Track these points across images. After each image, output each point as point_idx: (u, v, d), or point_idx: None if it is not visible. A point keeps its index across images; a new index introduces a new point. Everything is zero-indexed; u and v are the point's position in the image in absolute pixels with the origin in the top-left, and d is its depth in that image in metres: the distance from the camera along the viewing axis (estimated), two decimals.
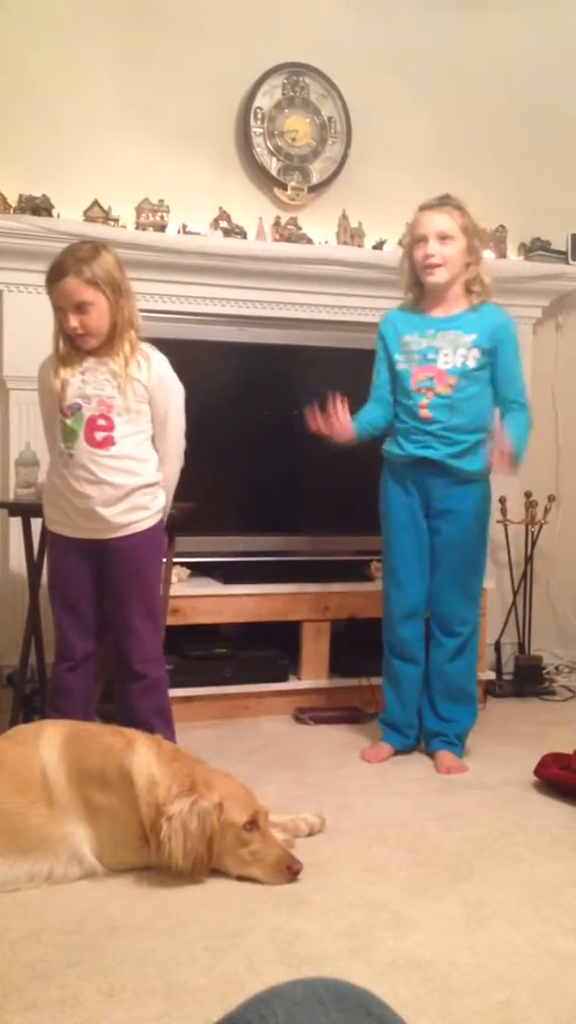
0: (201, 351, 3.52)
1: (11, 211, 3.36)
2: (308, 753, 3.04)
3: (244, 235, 3.66)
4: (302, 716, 3.38)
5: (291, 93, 3.80)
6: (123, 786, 2.08)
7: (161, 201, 3.56)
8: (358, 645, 3.52)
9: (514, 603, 3.98)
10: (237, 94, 3.75)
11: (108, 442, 2.53)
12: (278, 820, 2.25)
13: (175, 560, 3.15)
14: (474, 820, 2.48)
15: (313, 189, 3.83)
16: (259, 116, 3.75)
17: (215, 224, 3.65)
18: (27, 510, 2.95)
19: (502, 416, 2.89)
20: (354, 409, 2.95)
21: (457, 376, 2.81)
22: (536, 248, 4.05)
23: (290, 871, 2.06)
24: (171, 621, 3.17)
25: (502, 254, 4.00)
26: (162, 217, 3.55)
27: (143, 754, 2.12)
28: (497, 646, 3.93)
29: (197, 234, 3.61)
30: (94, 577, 2.60)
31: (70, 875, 2.06)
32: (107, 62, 3.57)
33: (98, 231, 3.32)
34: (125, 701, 2.64)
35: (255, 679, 3.44)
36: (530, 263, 4.04)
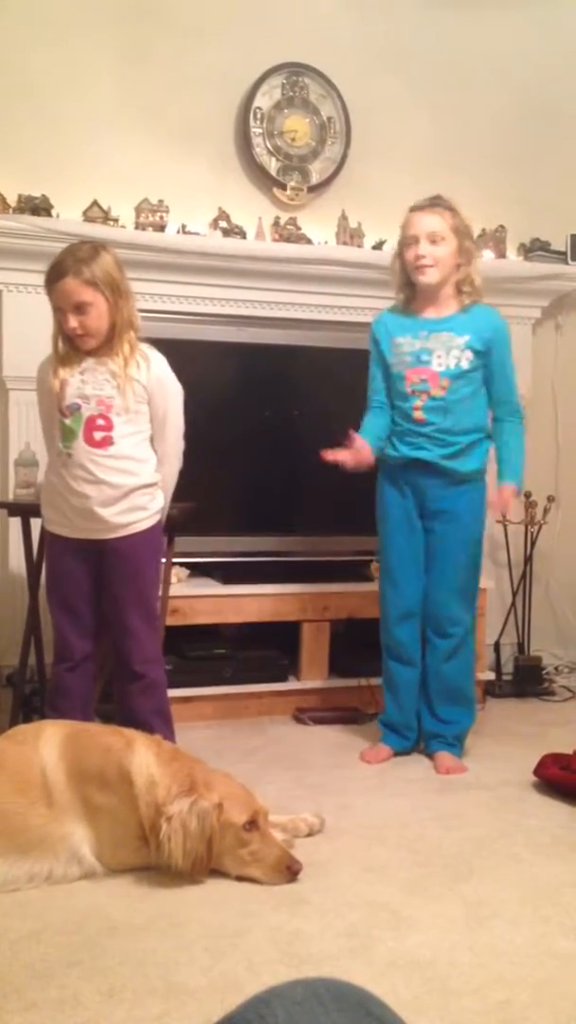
0: (200, 351, 3.52)
1: (10, 211, 3.37)
2: (308, 753, 3.04)
3: (243, 235, 3.67)
4: (302, 716, 3.38)
5: (290, 93, 3.80)
6: (123, 786, 2.08)
7: (160, 201, 3.56)
8: (358, 645, 3.52)
9: (513, 603, 3.98)
10: (236, 94, 3.75)
11: (107, 442, 2.52)
12: (278, 820, 2.25)
13: (175, 560, 3.15)
14: (474, 820, 2.48)
15: (312, 189, 3.83)
16: (258, 116, 3.75)
17: (214, 224, 3.65)
18: (26, 510, 2.95)
19: (495, 421, 2.90)
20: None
21: (451, 378, 2.81)
22: (535, 248, 4.06)
23: (290, 871, 2.06)
24: (171, 621, 3.17)
25: (501, 254, 4.00)
26: (161, 217, 3.55)
27: (143, 754, 2.12)
28: (496, 646, 3.93)
29: (196, 234, 3.61)
30: (92, 577, 2.60)
31: (70, 875, 2.06)
32: (107, 62, 3.57)
33: (97, 231, 3.32)
34: (124, 701, 2.64)
35: (255, 679, 3.44)
36: (529, 263, 4.04)
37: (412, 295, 2.91)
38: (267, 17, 3.75)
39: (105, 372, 2.53)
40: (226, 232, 3.64)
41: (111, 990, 1.64)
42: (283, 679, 3.49)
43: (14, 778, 2.09)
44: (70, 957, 1.75)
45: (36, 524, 2.91)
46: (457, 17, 4.02)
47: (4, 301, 3.40)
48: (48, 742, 2.15)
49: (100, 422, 2.52)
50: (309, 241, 3.76)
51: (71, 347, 2.55)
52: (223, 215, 3.65)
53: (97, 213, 3.47)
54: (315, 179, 3.84)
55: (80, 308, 2.47)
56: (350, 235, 3.81)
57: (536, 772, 2.72)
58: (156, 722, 2.56)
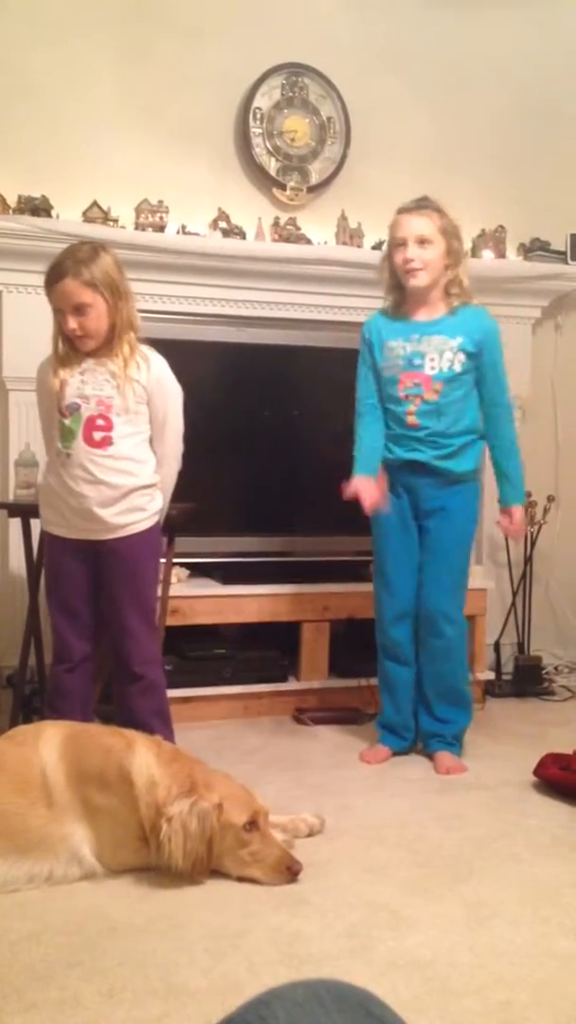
0: (200, 352, 3.52)
1: (10, 212, 3.37)
2: (307, 754, 3.04)
3: (243, 235, 3.67)
4: (301, 716, 3.38)
5: (290, 93, 3.80)
6: (123, 787, 2.08)
7: (160, 202, 3.56)
8: (358, 646, 3.51)
9: (513, 603, 3.98)
10: (236, 94, 3.75)
11: (106, 442, 2.52)
12: (278, 821, 2.24)
13: (175, 560, 3.15)
14: (473, 820, 2.48)
15: (312, 189, 3.84)
16: (258, 116, 3.75)
17: (214, 225, 3.65)
18: (27, 511, 2.94)
19: (488, 422, 2.89)
20: (351, 411, 2.95)
21: (444, 382, 2.81)
22: (535, 248, 4.06)
23: (290, 872, 2.06)
24: (171, 621, 3.17)
25: (501, 254, 4.01)
26: (161, 218, 3.55)
27: (143, 755, 2.12)
28: (496, 646, 3.94)
29: (196, 235, 3.61)
30: (91, 578, 2.60)
31: (70, 876, 2.06)
32: (107, 62, 3.57)
33: (97, 232, 3.32)
34: (124, 702, 2.64)
35: (254, 679, 3.44)
36: (529, 263, 4.04)
37: (402, 298, 2.89)
38: (267, 17, 3.75)
39: (105, 373, 2.53)
40: (226, 232, 3.64)
41: (111, 991, 1.64)
42: (283, 679, 3.49)
43: (14, 779, 2.09)
44: (70, 958, 1.75)
45: (36, 525, 2.91)
46: (457, 17, 4.02)
47: (4, 302, 3.40)
48: (48, 743, 2.15)
49: (100, 422, 2.52)
50: (309, 241, 3.76)
51: (71, 348, 2.55)
52: (223, 215, 3.65)
53: (97, 214, 3.47)
54: (315, 179, 3.85)
55: (79, 309, 2.47)
56: (350, 235, 3.81)
57: (536, 772, 2.72)
58: (155, 723, 2.56)
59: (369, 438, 2.90)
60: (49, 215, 3.39)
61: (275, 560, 3.66)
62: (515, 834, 2.38)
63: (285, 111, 3.80)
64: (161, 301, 3.56)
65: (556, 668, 4.06)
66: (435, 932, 1.87)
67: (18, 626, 3.19)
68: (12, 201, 3.39)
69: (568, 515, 4.17)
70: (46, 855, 2.04)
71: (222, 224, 3.65)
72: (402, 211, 2.83)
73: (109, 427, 2.52)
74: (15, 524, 3.15)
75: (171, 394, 2.62)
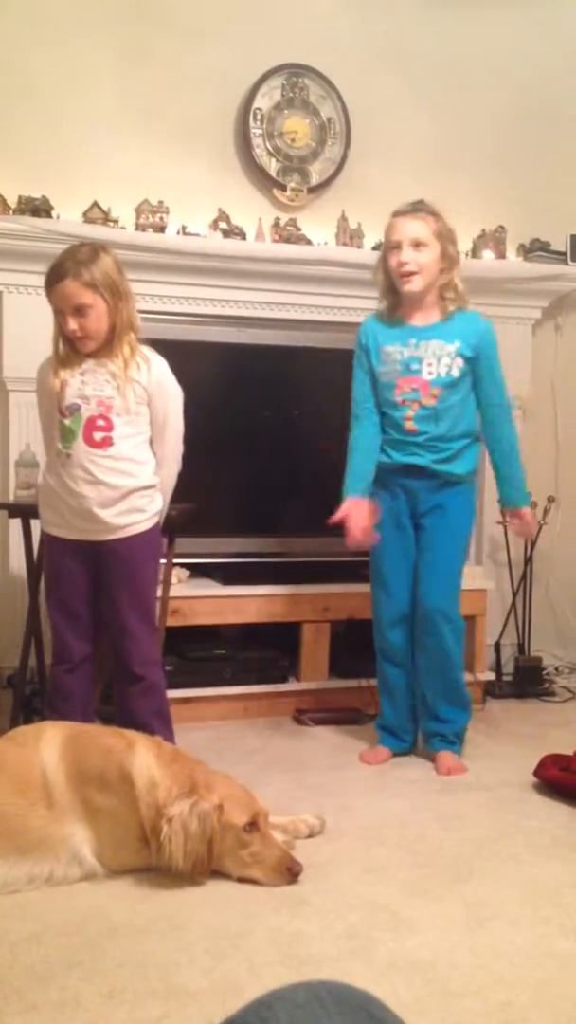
0: (200, 352, 3.52)
1: (11, 212, 3.37)
2: (308, 754, 3.04)
3: (243, 236, 3.67)
4: (302, 717, 3.38)
5: (290, 94, 3.80)
6: (123, 787, 2.08)
7: (160, 202, 3.56)
8: (358, 646, 3.51)
9: (514, 604, 3.98)
10: (236, 95, 3.75)
11: (107, 442, 2.52)
12: (278, 821, 2.25)
13: (175, 561, 3.15)
14: (474, 821, 2.48)
15: (312, 190, 3.84)
16: (258, 117, 3.75)
17: (214, 225, 3.65)
18: (27, 511, 2.94)
19: (487, 425, 2.89)
20: (344, 410, 2.96)
21: (442, 387, 2.80)
22: (535, 249, 4.06)
23: (290, 872, 2.06)
24: (171, 622, 3.17)
25: (501, 255, 4.01)
26: (161, 218, 3.55)
27: (143, 756, 2.12)
28: (497, 647, 3.93)
29: (196, 235, 3.61)
30: (90, 579, 2.60)
31: (70, 877, 2.06)
32: (107, 63, 3.57)
33: (98, 232, 3.32)
34: (124, 703, 2.64)
35: (255, 680, 3.44)
36: (529, 264, 4.04)
37: (396, 301, 2.89)
38: (267, 18, 3.75)
39: (105, 373, 2.53)
40: (226, 233, 3.64)
41: (111, 992, 1.64)
42: (283, 680, 3.49)
43: (14, 780, 2.09)
44: (70, 959, 1.75)
45: (36, 525, 2.91)
46: (457, 17, 4.02)
47: (4, 302, 3.40)
48: (49, 743, 2.15)
49: (100, 423, 2.52)
50: (309, 242, 3.76)
51: (71, 349, 2.55)
52: (223, 216, 3.66)
53: (97, 214, 3.47)
54: (315, 180, 3.85)
55: (80, 310, 2.47)
56: (350, 236, 3.81)
57: (536, 773, 2.72)
58: (156, 723, 2.56)
59: (363, 451, 2.88)
60: (49, 216, 3.39)
61: (275, 561, 3.66)
62: (515, 835, 2.38)
63: (285, 112, 3.80)
64: (161, 302, 3.56)
65: (556, 669, 4.06)
66: (435, 933, 1.87)
67: (18, 627, 3.19)
68: (12, 202, 3.39)
69: (568, 515, 4.17)
70: (46, 856, 2.04)
71: (222, 225, 3.65)
72: (397, 214, 2.82)
73: (109, 427, 2.52)
74: (15, 525, 3.15)
75: (171, 395, 2.62)
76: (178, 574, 3.37)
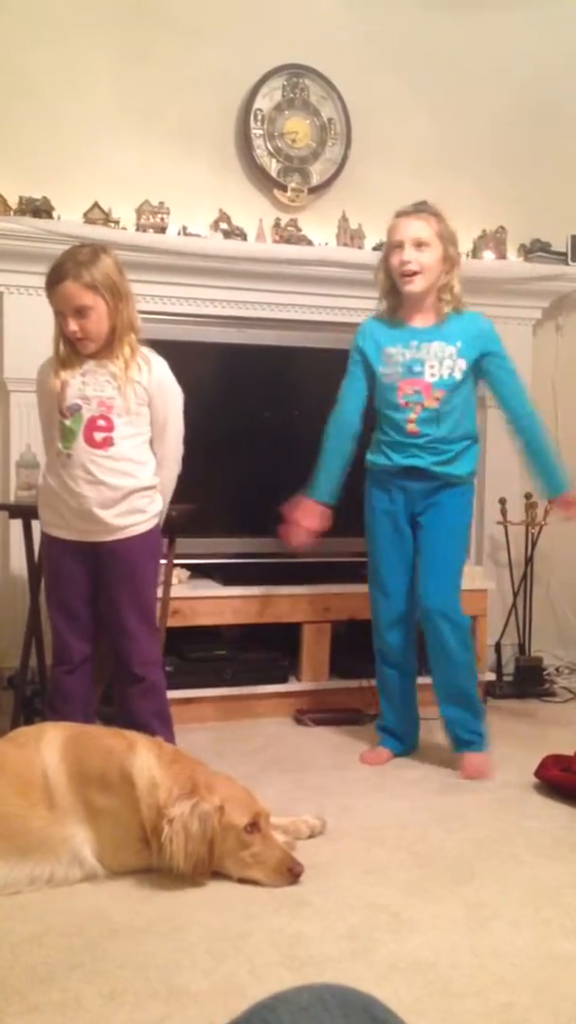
0: (201, 352, 3.52)
1: (11, 213, 3.37)
2: (308, 755, 3.04)
3: (244, 237, 3.67)
4: (302, 718, 3.39)
5: (291, 95, 3.80)
6: (124, 788, 2.08)
7: (161, 203, 3.56)
8: (358, 647, 3.51)
9: (514, 604, 3.98)
10: (237, 95, 3.75)
11: (107, 443, 2.52)
12: (279, 822, 2.25)
13: (175, 562, 3.15)
14: (474, 822, 2.48)
15: (313, 190, 3.84)
16: (259, 118, 3.75)
17: (215, 226, 3.65)
18: (28, 512, 2.94)
19: (514, 419, 2.87)
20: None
21: (444, 389, 2.79)
22: (536, 249, 4.06)
23: (291, 873, 2.06)
24: (171, 623, 3.17)
25: (502, 255, 4.01)
26: (162, 219, 3.55)
27: (144, 756, 2.12)
28: (497, 647, 3.94)
29: (197, 236, 3.61)
30: (91, 579, 2.60)
31: (71, 877, 2.06)
32: (107, 63, 3.57)
33: (98, 233, 3.32)
34: (124, 704, 2.64)
35: (255, 680, 3.44)
36: (530, 264, 4.04)
37: (397, 303, 2.88)
38: (267, 18, 3.75)
39: (106, 374, 2.53)
40: (227, 234, 3.64)
41: (112, 993, 1.64)
42: (284, 680, 3.49)
43: (15, 780, 2.09)
44: (71, 960, 1.75)
45: (37, 526, 2.91)
46: (457, 18, 4.02)
47: (5, 303, 3.41)
48: (49, 744, 2.15)
49: (101, 423, 2.52)
50: (310, 242, 3.76)
51: (72, 349, 2.55)
52: (224, 217, 3.66)
53: (98, 215, 3.47)
54: (315, 180, 3.85)
55: (80, 312, 2.47)
56: (350, 236, 3.81)
57: (537, 773, 2.72)
58: (156, 724, 2.57)
59: (335, 457, 2.92)
60: (50, 216, 3.39)
61: (276, 561, 3.65)
62: (516, 835, 2.38)
63: (286, 112, 3.80)
64: (162, 302, 3.55)
65: (557, 669, 4.06)
66: (436, 934, 1.88)
67: (19, 627, 3.19)
68: (13, 202, 3.38)
69: None
70: (47, 857, 2.04)
71: (223, 225, 3.65)
72: (400, 214, 2.83)
73: (110, 428, 2.52)
74: (16, 525, 3.15)
75: (172, 396, 2.62)
76: (178, 575, 3.37)
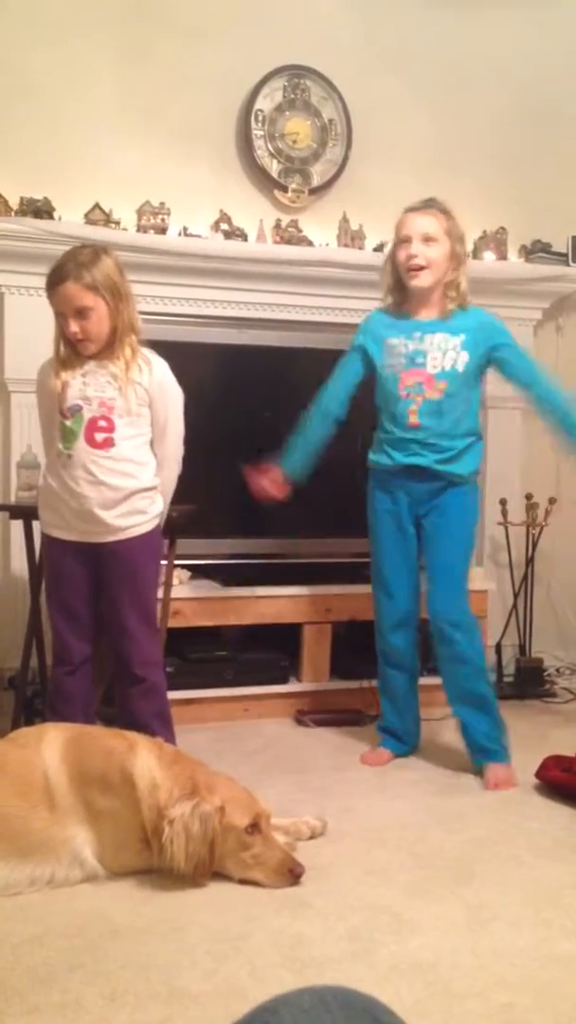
0: (202, 353, 3.52)
1: (12, 214, 3.37)
2: (309, 756, 3.04)
3: (245, 237, 3.67)
4: (303, 718, 3.39)
5: (292, 95, 3.81)
6: (125, 789, 2.08)
7: (162, 204, 3.56)
8: (359, 647, 3.51)
9: (515, 605, 3.98)
10: (238, 96, 3.76)
11: (108, 443, 2.52)
12: (279, 823, 2.25)
13: (176, 563, 3.15)
14: (475, 823, 2.48)
15: (314, 191, 3.84)
16: (260, 118, 3.75)
17: (216, 227, 3.65)
18: (28, 513, 2.94)
19: (537, 391, 2.82)
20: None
21: (447, 380, 2.78)
22: (536, 250, 4.06)
23: (292, 874, 2.06)
24: (172, 623, 3.17)
25: (502, 256, 4.01)
26: (163, 220, 3.55)
27: (145, 757, 2.12)
28: (498, 648, 3.93)
29: (198, 236, 3.61)
30: (91, 580, 2.60)
31: (72, 878, 2.06)
32: (107, 63, 3.57)
33: (99, 233, 3.32)
34: (124, 704, 2.63)
35: (256, 681, 3.44)
36: (530, 265, 4.04)
37: (402, 298, 2.87)
38: (268, 19, 3.75)
39: (107, 375, 2.54)
40: (227, 234, 3.64)
41: (113, 994, 1.64)
42: (284, 681, 3.50)
43: (16, 781, 2.09)
44: (72, 961, 1.75)
45: (38, 527, 2.91)
46: (457, 18, 4.02)
47: (6, 304, 3.41)
48: (50, 745, 2.15)
49: (102, 423, 2.52)
50: (310, 243, 3.76)
51: (72, 350, 2.55)
52: (224, 217, 3.66)
53: (99, 215, 3.47)
54: (316, 181, 3.85)
55: (81, 313, 2.47)
56: (351, 237, 3.81)
57: (538, 774, 2.72)
58: (156, 725, 2.56)
59: (312, 436, 2.93)
60: (51, 217, 3.39)
61: (276, 562, 3.66)
62: (517, 836, 2.38)
63: (287, 113, 3.80)
64: (163, 303, 3.56)
65: (558, 670, 4.06)
66: (437, 935, 1.87)
67: (20, 628, 3.19)
68: (14, 203, 3.39)
69: (570, 516, 4.16)
70: (48, 858, 2.04)
71: (224, 226, 3.65)
72: (409, 210, 2.82)
73: (111, 428, 2.52)
74: (17, 526, 3.15)
75: (172, 397, 2.62)
76: (179, 575, 3.37)
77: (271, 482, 2.93)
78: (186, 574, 3.47)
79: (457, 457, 2.82)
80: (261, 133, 3.76)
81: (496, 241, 3.99)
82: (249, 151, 3.76)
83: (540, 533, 3.96)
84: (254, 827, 2.06)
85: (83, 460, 2.51)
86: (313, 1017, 0.68)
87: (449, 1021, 1.58)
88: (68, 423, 2.53)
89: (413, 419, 2.80)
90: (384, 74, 3.92)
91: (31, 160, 3.47)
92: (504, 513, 3.92)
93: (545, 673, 3.92)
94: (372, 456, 2.93)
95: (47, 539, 2.67)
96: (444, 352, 2.78)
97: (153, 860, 2.07)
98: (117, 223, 3.50)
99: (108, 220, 3.48)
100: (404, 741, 3.00)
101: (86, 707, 2.65)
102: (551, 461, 4.18)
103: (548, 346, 4.19)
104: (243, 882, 2.07)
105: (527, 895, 2.06)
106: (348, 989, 0.74)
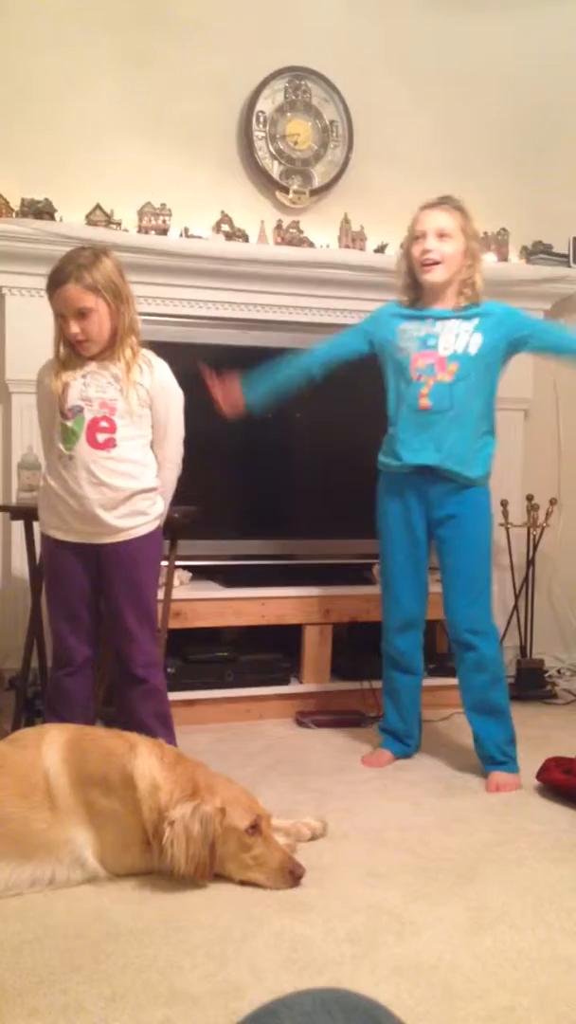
0: (203, 354, 3.51)
1: (14, 215, 3.37)
2: (310, 757, 3.04)
3: (246, 238, 3.67)
4: (304, 719, 3.38)
5: (293, 97, 3.81)
6: (126, 790, 2.08)
7: (163, 205, 3.56)
8: (360, 648, 3.52)
9: (516, 606, 3.98)
10: (239, 98, 3.76)
11: (110, 444, 2.52)
12: (280, 824, 2.25)
13: (177, 564, 3.15)
14: (476, 824, 2.48)
15: (315, 192, 3.84)
16: (261, 120, 3.76)
17: (217, 228, 3.66)
18: (29, 513, 2.94)
19: (555, 347, 2.85)
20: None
21: (458, 362, 2.75)
22: (538, 251, 4.06)
23: (292, 876, 2.06)
24: (173, 625, 3.17)
25: (504, 257, 4.01)
26: (164, 221, 3.55)
27: (145, 758, 2.12)
28: None
29: (199, 238, 3.61)
30: (92, 581, 2.59)
31: (72, 880, 2.06)
32: (109, 65, 3.57)
33: (100, 234, 3.33)
34: (125, 705, 2.63)
35: (257, 682, 3.44)
36: (532, 266, 4.04)
37: (416, 296, 2.86)
38: (269, 21, 3.75)
39: (108, 376, 2.54)
40: (228, 235, 3.64)
41: (113, 995, 1.64)
42: (285, 682, 3.49)
43: (17, 782, 2.09)
44: (72, 962, 1.75)
45: (39, 527, 2.91)
46: (459, 20, 4.02)
47: (7, 304, 3.41)
48: (51, 746, 2.15)
49: (104, 424, 2.52)
50: (311, 244, 3.76)
51: (72, 351, 2.55)
52: (226, 218, 3.66)
53: (100, 216, 3.47)
54: (317, 182, 3.85)
55: (82, 314, 2.47)
56: (352, 238, 3.81)
57: (539, 776, 2.72)
58: (157, 726, 2.56)
59: (280, 378, 2.95)
60: (52, 218, 3.40)
61: (277, 563, 3.66)
62: (518, 838, 2.38)
63: (288, 114, 3.80)
64: (164, 304, 3.56)
65: (559, 671, 4.06)
66: (438, 936, 1.87)
67: (21, 628, 3.19)
68: (15, 204, 3.39)
69: (571, 518, 4.17)
70: (49, 859, 2.04)
71: (225, 227, 3.65)
72: (424, 207, 2.81)
73: (112, 429, 2.52)
74: (18, 527, 3.15)
75: (173, 398, 2.63)
76: (180, 576, 3.37)
77: (226, 394, 2.93)
78: (187, 575, 3.47)
79: (466, 458, 2.78)
80: (262, 134, 3.76)
81: (497, 242, 3.99)
82: (250, 152, 3.76)
83: (541, 535, 3.96)
84: (255, 828, 2.06)
85: (85, 461, 2.51)
86: (313, 1019, 0.68)
87: (450, 1023, 1.58)
88: (69, 424, 2.53)
89: (424, 401, 2.77)
90: (385, 75, 3.92)
91: (33, 161, 3.47)
92: (505, 515, 3.92)
93: (546, 674, 3.92)
94: (381, 458, 2.91)
95: (47, 540, 2.66)
96: (456, 335, 2.76)
97: (154, 861, 2.07)
98: (118, 224, 3.51)
99: (109, 221, 3.48)
100: (405, 743, 3.00)
101: (85, 709, 2.64)
102: (552, 462, 4.19)
103: None
104: (244, 883, 2.07)
105: (528, 897, 2.05)
106: (349, 991, 0.74)
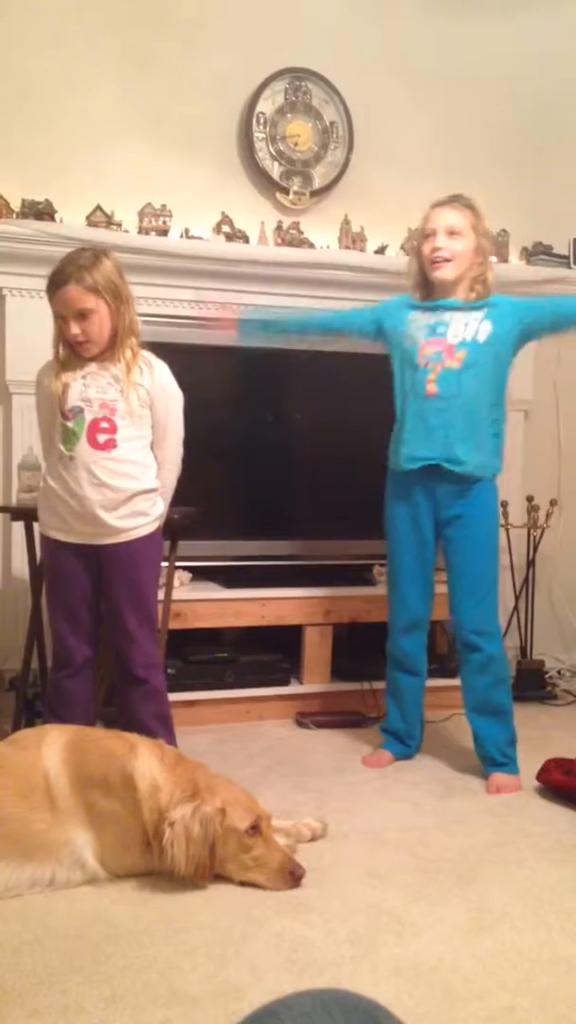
0: (203, 355, 3.52)
1: (14, 216, 3.38)
2: (310, 757, 3.04)
3: (246, 240, 3.67)
4: (304, 720, 3.38)
5: (293, 98, 3.81)
6: (126, 791, 2.08)
7: (164, 206, 3.57)
8: (360, 649, 3.52)
9: (516, 607, 3.98)
10: (239, 99, 3.76)
11: (110, 444, 2.52)
12: (280, 825, 2.25)
13: (177, 564, 3.15)
14: (477, 825, 2.47)
15: (315, 193, 3.84)
16: (261, 121, 3.76)
17: (217, 229, 3.66)
18: (30, 514, 2.94)
19: (558, 313, 2.83)
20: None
21: (467, 349, 2.73)
22: (538, 252, 4.06)
23: (293, 876, 2.06)
24: (173, 625, 3.17)
25: (504, 258, 4.01)
26: (164, 222, 3.56)
27: (146, 759, 2.12)
28: None
29: (199, 239, 3.62)
30: (91, 582, 2.59)
31: (72, 881, 2.06)
32: (109, 66, 3.58)
33: (101, 235, 3.33)
34: (125, 706, 2.63)
35: (257, 683, 3.44)
36: (532, 267, 4.04)
37: (427, 294, 2.85)
38: (270, 22, 3.76)
39: (108, 376, 2.54)
40: (229, 237, 3.65)
41: (113, 996, 1.64)
42: (285, 683, 3.49)
43: (17, 783, 2.09)
44: (73, 963, 1.75)
45: (39, 528, 2.91)
46: (459, 21, 4.03)
47: (8, 305, 3.41)
48: (51, 747, 2.15)
49: (104, 425, 2.52)
50: (312, 245, 3.77)
51: (72, 352, 2.55)
52: (226, 219, 3.66)
53: (100, 217, 3.47)
54: (318, 183, 3.85)
55: (82, 315, 2.47)
56: (352, 239, 3.81)
57: (539, 777, 2.72)
58: (157, 726, 2.56)
59: (292, 315, 3.08)
60: (53, 219, 3.40)
61: (277, 564, 3.66)
62: (518, 839, 2.38)
63: (288, 115, 3.81)
64: (164, 305, 3.56)
65: (559, 672, 4.06)
66: (438, 937, 1.87)
67: (21, 629, 3.19)
68: (16, 205, 3.39)
69: (571, 518, 4.17)
70: (49, 860, 2.04)
71: (225, 228, 3.65)
72: (435, 205, 2.82)
73: (113, 430, 2.52)
74: (18, 528, 3.15)
75: (173, 399, 2.63)
76: (180, 577, 3.38)
77: (223, 311, 3.03)
78: (187, 576, 3.47)
79: (473, 454, 2.76)
80: (262, 135, 3.77)
81: (498, 244, 3.99)
82: (250, 153, 3.76)
83: (541, 535, 3.96)
84: (255, 829, 2.06)
85: (85, 461, 2.51)
86: (313, 1020, 0.68)
87: None
88: (70, 424, 2.53)
89: (431, 387, 2.75)
90: (385, 76, 3.93)
91: (33, 162, 3.47)
92: (505, 515, 3.91)
93: (546, 675, 3.92)
94: (391, 457, 2.90)
95: (47, 541, 2.66)
96: (466, 324, 2.76)
97: (154, 862, 2.07)
98: (119, 225, 3.51)
99: (110, 222, 3.49)
100: (406, 744, 3.00)
101: (85, 710, 2.64)
102: (552, 463, 4.19)
103: (549, 348, 4.17)
104: (244, 884, 2.07)
105: (528, 898, 2.05)
106: (349, 992, 0.74)
